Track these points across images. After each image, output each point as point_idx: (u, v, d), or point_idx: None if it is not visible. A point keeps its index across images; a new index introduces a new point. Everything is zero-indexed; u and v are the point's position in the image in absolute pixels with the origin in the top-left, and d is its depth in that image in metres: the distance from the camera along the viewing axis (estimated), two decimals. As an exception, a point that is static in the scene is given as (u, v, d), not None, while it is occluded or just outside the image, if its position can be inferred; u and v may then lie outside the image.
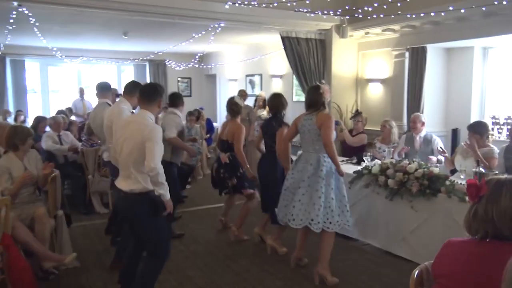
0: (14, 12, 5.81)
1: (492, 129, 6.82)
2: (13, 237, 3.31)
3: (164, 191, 3.04)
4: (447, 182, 4.11)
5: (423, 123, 5.60)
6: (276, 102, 4.64)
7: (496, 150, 4.62)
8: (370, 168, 4.80)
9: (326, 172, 3.90)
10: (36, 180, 4.02)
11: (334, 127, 3.98)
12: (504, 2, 4.77)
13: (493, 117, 6.76)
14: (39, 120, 6.91)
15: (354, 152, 6.00)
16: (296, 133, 4.17)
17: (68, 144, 6.46)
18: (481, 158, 4.36)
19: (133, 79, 12.89)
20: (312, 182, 3.87)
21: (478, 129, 4.64)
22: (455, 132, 6.31)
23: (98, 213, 6.00)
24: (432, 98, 7.00)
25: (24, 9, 5.60)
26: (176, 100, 5.17)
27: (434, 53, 6.88)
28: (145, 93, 3.29)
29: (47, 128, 6.68)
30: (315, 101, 3.96)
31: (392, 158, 5.23)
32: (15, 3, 5.35)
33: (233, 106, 4.96)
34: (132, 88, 4.16)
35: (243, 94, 8.49)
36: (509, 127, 6.38)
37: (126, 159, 3.12)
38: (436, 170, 4.29)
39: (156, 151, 3.01)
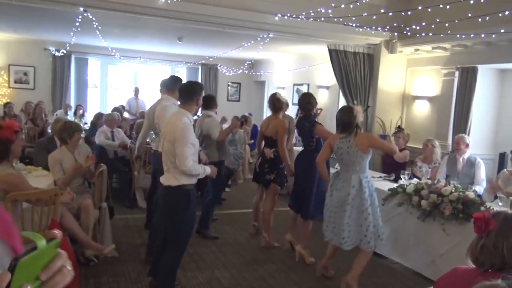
0: (80, 17, 6.33)
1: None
2: (60, 224, 3.65)
3: (201, 175, 3.44)
4: (482, 208, 4.03)
5: (467, 145, 5.47)
6: (304, 102, 4.80)
7: None
8: (405, 187, 4.78)
9: (369, 192, 3.99)
10: (84, 171, 4.37)
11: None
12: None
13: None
14: (98, 117, 7.45)
15: (393, 169, 5.96)
16: (330, 154, 4.24)
17: (119, 140, 6.90)
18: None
19: (185, 80, 13.51)
20: (356, 203, 3.94)
21: None
22: (502, 157, 6.11)
23: (140, 207, 6.34)
24: (481, 120, 6.80)
25: (88, 14, 6.08)
26: (209, 102, 5.35)
27: (486, 73, 6.69)
28: (184, 92, 3.48)
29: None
30: (348, 123, 3.99)
31: (429, 178, 5.17)
32: (81, 9, 5.84)
33: (275, 101, 5.07)
34: (173, 83, 4.45)
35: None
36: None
37: (164, 156, 3.41)
38: (471, 194, 4.22)
39: (185, 152, 3.25)
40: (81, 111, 10.46)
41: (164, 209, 3.51)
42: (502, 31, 5.20)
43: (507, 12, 4.69)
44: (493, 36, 5.37)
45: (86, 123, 9.75)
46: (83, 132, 8.68)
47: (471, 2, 4.62)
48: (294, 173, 4.93)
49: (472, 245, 1.74)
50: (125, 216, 5.89)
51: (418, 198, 4.52)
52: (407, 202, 4.69)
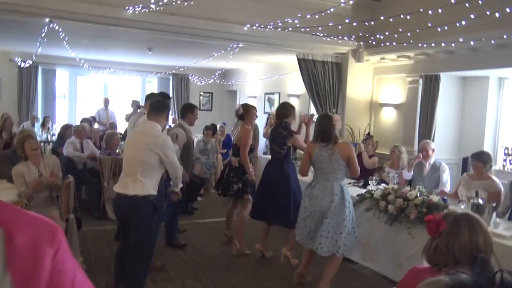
0: (46, 28, 6.23)
1: (505, 160, 6.82)
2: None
3: (178, 188, 3.86)
4: (445, 211, 4.16)
5: (433, 150, 5.67)
6: (284, 111, 4.89)
7: (499, 182, 4.65)
8: (372, 192, 4.90)
9: (349, 200, 4.09)
10: (50, 185, 4.28)
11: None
12: (513, 36, 4.84)
13: (506, 148, 6.75)
14: (66, 128, 7.33)
15: (362, 175, 6.08)
16: (310, 163, 4.23)
17: (89, 151, 6.80)
18: None
19: (156, 91, 13.44)
20: (338, 211, 4.00)
21: (482, 158, 4.70)
22: (465, 161, 6.33)
23: (110, 219, 6.23)
24: (445, 126, 7.05)
25: (55, 25, 6.00)
26: (182, 111, 5.47)
27: (448, 81, 6.95)
28: (155, 107, 3.68)
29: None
30: (328, 132, 4.03)
31: (397, 183, 5.31)
32: (47, 20, 5.75)
33: (237, 111, 5.22)
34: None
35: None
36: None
37: (133, 166, 3.43)
38: (435, 198, 4.36)
39: (175, 160, 3.63)
40: (48, 124, 10.23)
41: (130, 218, 3.51)
42: (461, 40, 5.44)
43: (463, 22, 4.91)
44: (453, 45, 5.60)
45: (54, 135, 9.56)
46: (50, 143, 8.53)
47: (430, 12, 4.82)
48: (254, 180, 4.99)
49: (426, 246, 1.82)
50: (94, 228, 5.79)
51: (385, 203, 4.63)
52: (374, 207, 4.80)
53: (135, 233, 3.48)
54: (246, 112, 5.17)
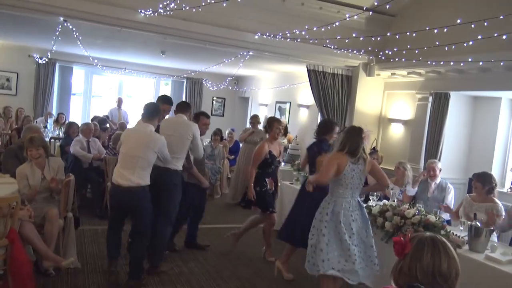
0: (60, 26, 6.37)
1: (513, 182, 6.69)
2: (19, 233, 3.63)
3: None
4: (442, 232, 4.10)
5: (440, 170, 5.60)
6: (321, 127, 4.87)
7: (501, 206, 4.56)
8: (371, 208, 4.85)
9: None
10: (51, 189, 4.35)
11: None
12: (523, 59, 4.77)
13: (516, 172, 6.63)
14: (70, 125, 7.42)
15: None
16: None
17: (96, 150, 6.88)
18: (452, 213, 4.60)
19: (170, 94, 13.57)
20: (365, 226, 3.98)
21: (481, 178, 4.62)
22: (471, 182, 6.22)
23: (111, 219, 6.31)
24: (453, 145, 6.96)
25: (68, 24, 6.13)
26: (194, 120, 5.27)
27: (459, 100, 6.87)
28: (149, 112, 4.24)
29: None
30: (357, 146, 3.74)
31: (399, 200, 5.26)
32: (61, 19, 5.88)
33: (263, 122, 5.35)
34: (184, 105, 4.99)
35: (254, 121, 8.31)
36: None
37: (133, 161, 4.04)
38: (433, 218, 4.30)
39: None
40: (62, 120, 10.39)
41: (136, 206, 4.11)
42: (470, 60, 5.38)
43: (471, 42, 4.86)
44: (461, 64, 5.53)
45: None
46: (59, 140, 8.65)
47: (435, 31, 4.78)
48: (250, 196, 5.03)
49: (394, 268, 1.79)
50: (94, 227, 5.85)
51: (382, 219, 4.58)
52: (372, 223, 4.75)
53: (140, 218, 4.13)
54: (269, 126, 5.12)
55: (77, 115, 12.55)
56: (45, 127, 9.67)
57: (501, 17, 4.21)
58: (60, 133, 9.81)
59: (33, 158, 4.29)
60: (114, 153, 6.64)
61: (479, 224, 4.05)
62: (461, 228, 4.38)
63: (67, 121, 10.80)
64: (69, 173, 4.73)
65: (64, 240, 4.37)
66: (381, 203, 4.94)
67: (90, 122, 7.82)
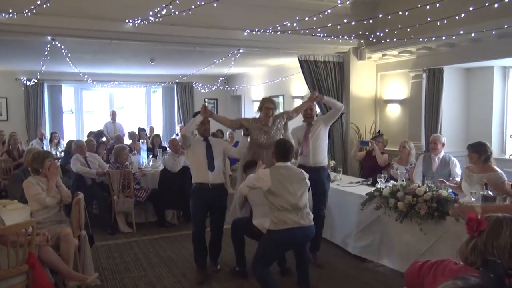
0: (48, 46, 6.31)
1: (514, 148, 6.75)
2: (39, 256, 3.60)
3: None
4: (456, 204, 4.14)
5: (443, 144, 5.56)
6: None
7: (501, 173, 4.55)
8: (381, 190, 4.88)
9: None
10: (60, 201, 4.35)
11: None
12: (514, 26, 4.80)
13: (513, 137, 6.68)
14: (71, 144, 7.34)
15: (372, 173, 6.06)
16: None
17: (96, 165, 6.83)
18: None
19: (160, 100, 13.53)
20: None
21: (476, 148, 4.61)
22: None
23: (122, 232, 6.29)
24: (451, 118, 7.00)
25: (57, 42, 6.08)
26: None
27: (452, 73, 6.91)
28: None
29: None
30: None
31: (407, 178, 5.29)
32: (49, 38, 5.83)
33: None
34: None
35: None
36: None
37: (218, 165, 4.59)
38: (444, 192, 4.33)
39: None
40: (56, 139, 10.33)
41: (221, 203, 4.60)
42: (462, 32, 5.41)
43: (463, 15, 4.89)
44: (454, 37, 5.56)
45: (62, 151, 9.63)
46: (59, 160, 8.60)
47: (427, 8, 4.80)
48: None
49: (462, 246, 1.77)
50: (107, 243, 5.82)
51: (394, 200, 4.60)
52: (384, 205, 4.78)
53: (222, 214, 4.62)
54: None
55: (71, 133, 12.48)
56: (42, 148, 9.59)
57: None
58: (57, 153, 9.75)
59: (53, 169, 4.32)
60: (117, 167, 6.61)
61: (491, 193, 4.09)
62: (473, 199, 4.41)
63: (61, 140, 10.78)
64: (75, 191, 4.71)
65: (81, 259, 4.35)
66: (390, 184, 4.97)
67: (81, 139, 7.74)
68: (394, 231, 4.69)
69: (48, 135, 10.91)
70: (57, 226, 4.25)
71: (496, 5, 4.40)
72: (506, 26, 4.94)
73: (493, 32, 5.16)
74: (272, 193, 3.84)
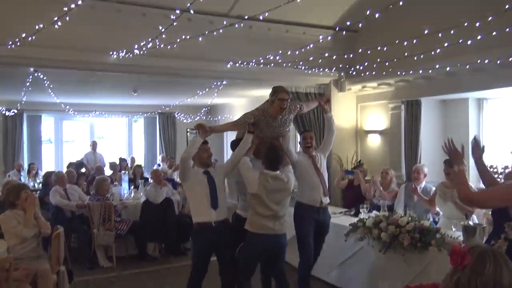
0: (31, 77, 6.28)
1: (491, 178, 6.90)
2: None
3: None
4: (438, 235, 4.19)
5: (425, 175, 5.68)
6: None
7: (474, 189, 4.67)
8: (364, 220, 4.90)
9: None
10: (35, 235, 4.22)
11: None
12: (486, 61, 5.03)
13: (491, 167, 6.85)
14: (48, 175, 7.20)
15: (354, 203, 6.11)
16: None
17: (76, 197, 6.68)
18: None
19: (142, 130, 13.46)
20: None
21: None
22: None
23: (102, 266, 6.11)
24: (430, 148, 7.15)
25: (39, 74, 6.05)
26: None
27: (429, 105, 7.13)
28: None
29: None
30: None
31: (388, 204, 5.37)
32: (31, 69, 5.81)
33: None
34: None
35: None
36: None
37: None
38: (426, 223, 4.38)
39: None
40: (34, 170, 10.10)
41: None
42: (437, 66, 5.63)
43: (438, 50, 5.10)
44: (430, 71, 5.78)
45: (41, 182, 9.41)
46: (38, 191, 8.39)
47: (405, 43, 5.01)
48: None
49: (447, 278, 1.76)
50: (86, 278, 5.63)
51: (377, 231, 4.63)
52: (368, 235, 4.79)
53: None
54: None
55: (50, 163, 12.24)
56: (19, 180, 9.36)
57: (466, 24, 4.45)
58: (35, 185, 9.52)
59: (30, 200, 4.19)
60: (98, 199, 6.47)
61: (471, 223, 4.16)
62: (453, 229, 4.48)
63: (39, 171, 10.54)
64: (54, 224, 4.59)
65: (58, 296, 4.20)
66: (373, 215, 5.01)
67: (61, 171, 7.59)
68: (378, 262, 4.70)
69: (26, 166, 10.66)
70: (35, 262, 4.12)
71: (469, 42, 4.63)
72: (478, 61, 5.17)
73: (467, 66, 5.38)
74: (256, 198, 3.82)
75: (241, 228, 3.98)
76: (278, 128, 4.13)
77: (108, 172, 9.30)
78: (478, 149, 3.45)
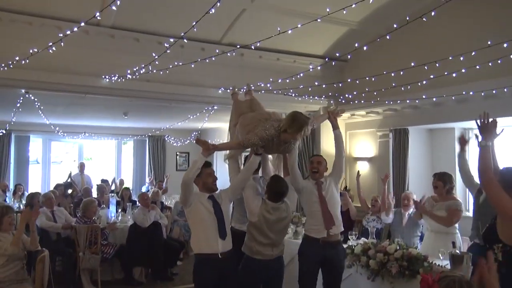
0: (21, 98, 6.28)
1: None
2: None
3: None
4: (425, 264, 4.21)
5: (414, 201, 5.80)
6: None
7: (461, 203, 4.80)
8: (353, 247, 4.92)
9: None
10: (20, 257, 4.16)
11: None
12: (471, 93, 5.19)
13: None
14: (33, 196, 7.11)
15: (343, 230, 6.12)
16: None
17: (63, 220, 6.59)
18: (430, 214, 4.73)
19: (132, 153, 13.41)
20: None
21: (442, 177, 4.84)
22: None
23: (87, 291, 6.00)
24: (418, 176, 7.27)
25: (30, 95, 6.06)
26: None
27: (417, 133, 7.28)
28: None
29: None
30: None
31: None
32: (23, 91, 5.82)
33: None
34: None
35: None
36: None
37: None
38: (414, 251, 4.42)
39: None
40: (20, 191, 9.94)
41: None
42: (424, 97, 5.78)
43: (424, 82, 5.27)
44: (417, 101, 5.93)
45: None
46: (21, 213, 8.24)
47: (392, 74, 5.16)
48: None
49: None
50: (70, 303, 5.52)
51: (366, 258, 4.64)
52: (356, 263, 4.80)
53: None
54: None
55: (37, 184, 12.08)
56: (4, 200, 9.21)
57: (450, 57, 4.63)
58: (21, 205, 9.36)
59: (12, 224, 4.19)
60: (84, 221, 6.39)
61: (458, 252, 4.20)
62: (441, 257, 4.51)
63: (25, 192, 10.38)
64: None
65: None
66: (361, 242, 5.03)
67: (49, 192, 7.50)
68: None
69: (12, 187, 10.49)
70: (18, 285, 4.04)
71: (454, 74, 4.79)
72: (463, 93, 5.33)
73: (453, 97, 5.54)
74: (255, 227, 3.75)
75: (236, 242, 3.75)
76: (285, 146, 3.89)
77: (95, 194, 9.20)
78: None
